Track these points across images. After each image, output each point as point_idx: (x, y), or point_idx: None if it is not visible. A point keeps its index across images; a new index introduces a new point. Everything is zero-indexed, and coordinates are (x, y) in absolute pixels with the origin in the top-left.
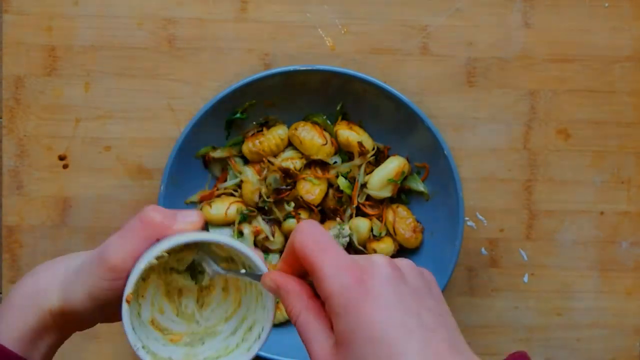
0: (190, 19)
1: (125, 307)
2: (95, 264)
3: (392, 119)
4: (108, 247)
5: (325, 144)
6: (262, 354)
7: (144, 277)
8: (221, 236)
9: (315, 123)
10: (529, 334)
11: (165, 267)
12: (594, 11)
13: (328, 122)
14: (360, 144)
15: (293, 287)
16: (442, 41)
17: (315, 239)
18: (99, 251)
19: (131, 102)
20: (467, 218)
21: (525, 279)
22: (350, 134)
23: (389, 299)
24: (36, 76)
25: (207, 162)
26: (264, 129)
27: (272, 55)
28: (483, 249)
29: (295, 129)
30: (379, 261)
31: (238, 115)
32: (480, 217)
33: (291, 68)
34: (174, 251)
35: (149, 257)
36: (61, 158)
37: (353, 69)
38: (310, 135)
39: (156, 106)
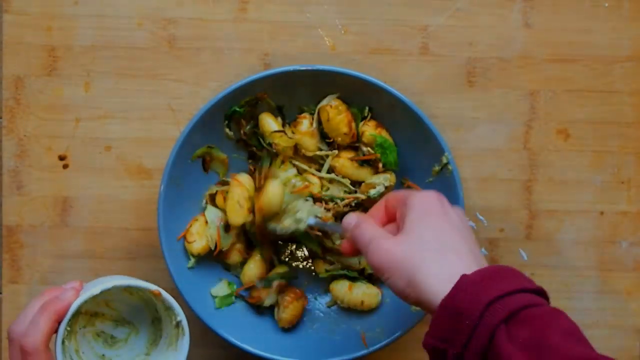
0: (190, 19)
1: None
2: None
3: (392, 119)
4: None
5: (347, 134)
6: (262, 354)
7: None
8: (119, 280)
9: (350, 109)
10: None
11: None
12: (594, 11)
13: (360, 115)
14: (384, 165)
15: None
16: (442, 41)
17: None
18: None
19: (131, 102)
20: (467, 218)
21: None
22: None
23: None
24: (36, 76)
25: (206, 162)
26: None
27: (272, 55)
28: (483, 249)
29: (330, 105)
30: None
31: (236, 108)
32: (480, 217)
33: (291, 68)
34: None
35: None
36: (61, 158)
37: (353, 69)
38: (339, 119)
39: (156, 106)
